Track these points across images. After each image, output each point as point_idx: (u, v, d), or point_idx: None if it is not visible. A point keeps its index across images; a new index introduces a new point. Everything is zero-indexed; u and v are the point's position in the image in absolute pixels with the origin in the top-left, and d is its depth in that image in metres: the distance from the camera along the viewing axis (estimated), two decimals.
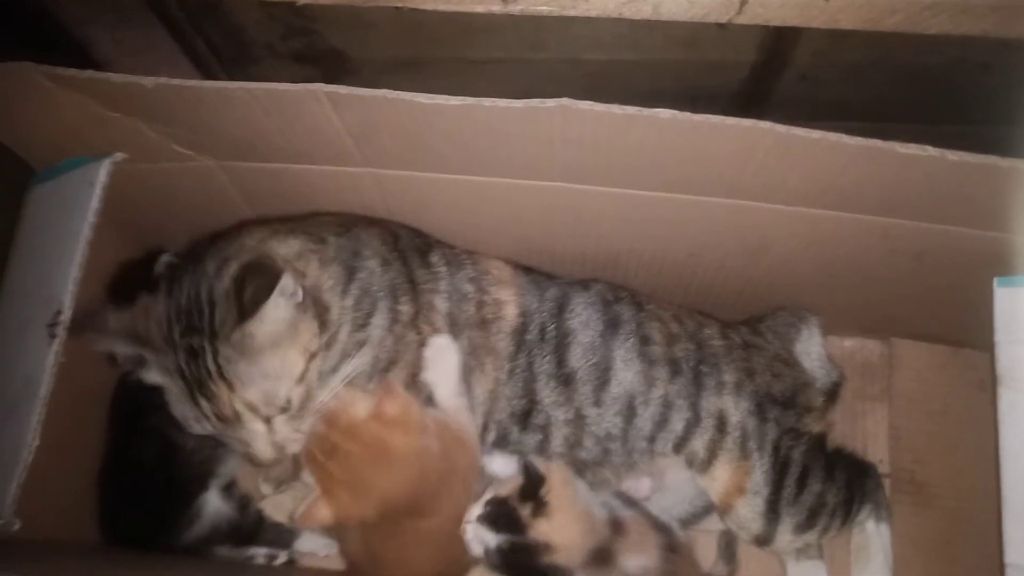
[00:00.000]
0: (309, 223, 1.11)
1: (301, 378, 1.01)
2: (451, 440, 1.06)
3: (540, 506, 1.04)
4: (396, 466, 0.99)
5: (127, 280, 1.23)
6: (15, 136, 1.17)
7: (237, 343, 0.97)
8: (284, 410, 1.01)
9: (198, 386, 1.00)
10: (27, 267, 1.17)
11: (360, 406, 1.00)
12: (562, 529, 1.04)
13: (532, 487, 1.04)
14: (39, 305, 1.09)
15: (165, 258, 1.24)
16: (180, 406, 1.04)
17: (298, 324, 1.00)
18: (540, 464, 1.07)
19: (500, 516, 1.04)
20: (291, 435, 1.03)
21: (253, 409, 1.00)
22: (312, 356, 1.02)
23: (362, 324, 1.07)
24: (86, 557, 1.18)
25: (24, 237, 1.19)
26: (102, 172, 1.11)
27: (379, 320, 1.08)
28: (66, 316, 1.06)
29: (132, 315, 1.03)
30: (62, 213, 1.13)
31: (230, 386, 0.99)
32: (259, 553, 1.26)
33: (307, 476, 1.03)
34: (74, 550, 1.18)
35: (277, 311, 0.97)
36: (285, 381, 1.01)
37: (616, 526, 1.10)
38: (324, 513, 0.99)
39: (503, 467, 1.15)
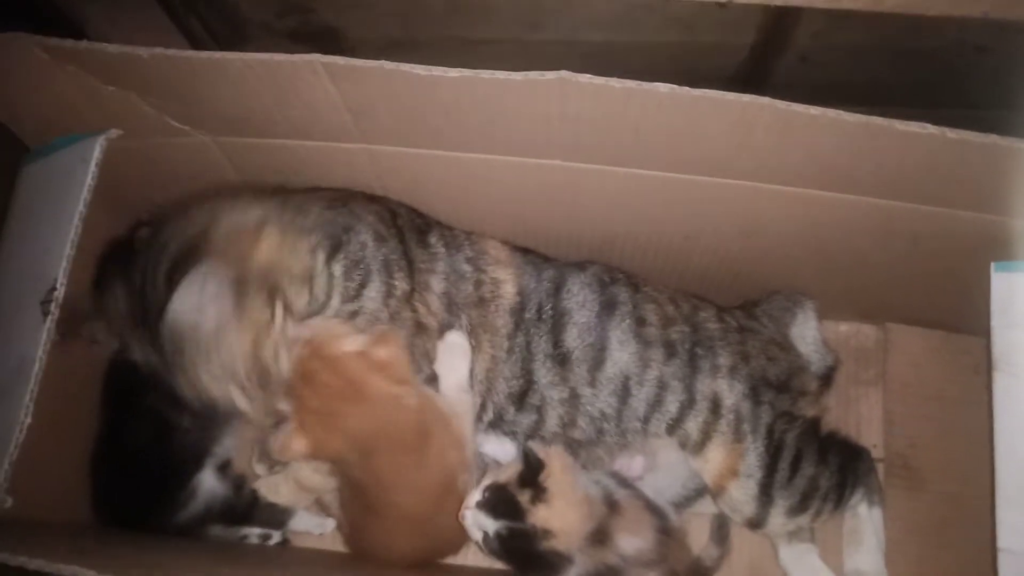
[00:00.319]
0: (299, 195, 1.11)
1: (252, 354, 1.03)
2: (434, 418, 1.06)
3: (539, 492, 1.04)
4: (368, 406, 1.01)
5: (114, 256, 1.23)
6: (10, 111, 1.17)
7: (176, 333, 1.00)
8: (245, 385, 1.04)
9: (165, 365, 1.03)
10: (21, 246, 1.17)
11: (349, 341, 1.01)
12: (561, 515, 1.04)
13: (531, 473, 1.05)
14: (33, 283, 1.09)
15: (145, 231, 1.23)
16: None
17: (241, 304, 1.01)
18: (539, 450, 1.08)
19: (499, 502, 1.04)
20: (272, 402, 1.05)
21: (220, 380, 1.03)
22: (261, 329, 1.03)
23: (354, 295, 1.07)
24: (78, 536, 1.17)
25: (17, 215, 1.19)
26: (96, 149, 1.10)
27: (372, 292, 1.08)
28: (59, 294, 1.06)
29: (108, 300, 1.07)
30: (56, 191, 1.12)
31: (190, 366, 1.02)
32: (253, 533, 1.26)
33: (284, 404, 1.03)
34: (66, 529, 1.18)
35: (202, 307, 0.99)
36: (238, 359, 1.02)
37: (612, 505, 1.10)
38: (299, 444, 1.00)
39: (498, 450, 1.15)
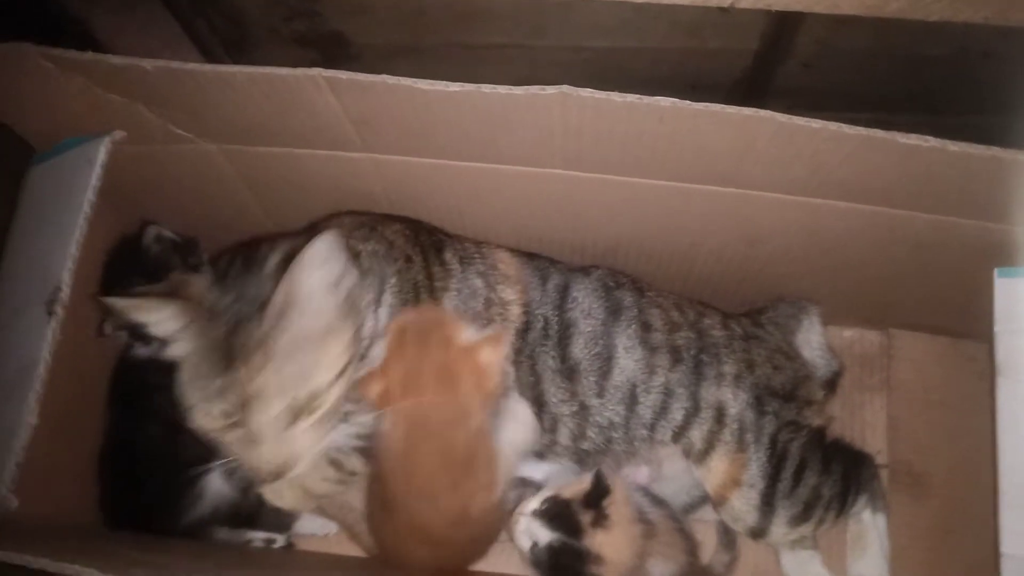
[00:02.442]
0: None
1: (334, 379, 0.96)
2: (484, 451, 1.04)
3: (601, 517, 1.03)
4: (448, 398, 1.00)
5: (121, 255, 1.24)
6: (16, 117, 1.17)
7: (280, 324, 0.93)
8: (300, 411, 0.95)
9: (229, 358, 0.93)
10: (26, 247, 1.17)
11: (463, 333, 1.02)
12: (616, 544, 1.04)
13: (598, 496, 1.04)
14: (38, 284, 1.09)
15: (153, 230, 1.24)
16: (195, 385, 0.97)
17: (342, 319, 0.97)
18: (610, 476, 1.07)
19: (558, 515, 1.04)
20: (303, 448, 0.97)
21: (271, 395, 0.93)
22: (349, 362, 0.98)
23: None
24: (82, 537, 1.18)
25: (23, 217, 1.19)
26: (101, 150, 1.10)
27: None
28: (64, 295, 1.07)
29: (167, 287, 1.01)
30: (61, 192, 1.13)
31: (265, 357, 0.92)
32: (257, 537, 1.26)
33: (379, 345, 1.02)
34: (71, 530, 1.18)
35: (320, 300, 0.94)
36: (318, 372, 0.95)
37: (646, 525, 1.10)
38: (375, 386, 1.00)
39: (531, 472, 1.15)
